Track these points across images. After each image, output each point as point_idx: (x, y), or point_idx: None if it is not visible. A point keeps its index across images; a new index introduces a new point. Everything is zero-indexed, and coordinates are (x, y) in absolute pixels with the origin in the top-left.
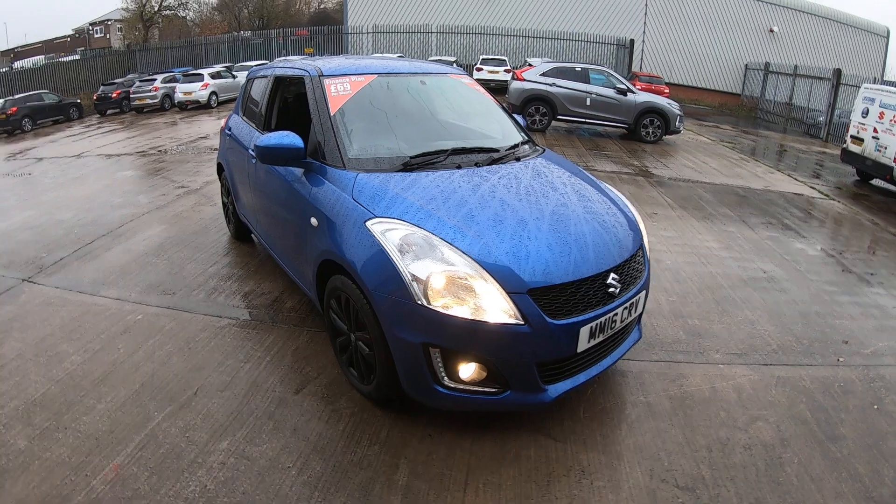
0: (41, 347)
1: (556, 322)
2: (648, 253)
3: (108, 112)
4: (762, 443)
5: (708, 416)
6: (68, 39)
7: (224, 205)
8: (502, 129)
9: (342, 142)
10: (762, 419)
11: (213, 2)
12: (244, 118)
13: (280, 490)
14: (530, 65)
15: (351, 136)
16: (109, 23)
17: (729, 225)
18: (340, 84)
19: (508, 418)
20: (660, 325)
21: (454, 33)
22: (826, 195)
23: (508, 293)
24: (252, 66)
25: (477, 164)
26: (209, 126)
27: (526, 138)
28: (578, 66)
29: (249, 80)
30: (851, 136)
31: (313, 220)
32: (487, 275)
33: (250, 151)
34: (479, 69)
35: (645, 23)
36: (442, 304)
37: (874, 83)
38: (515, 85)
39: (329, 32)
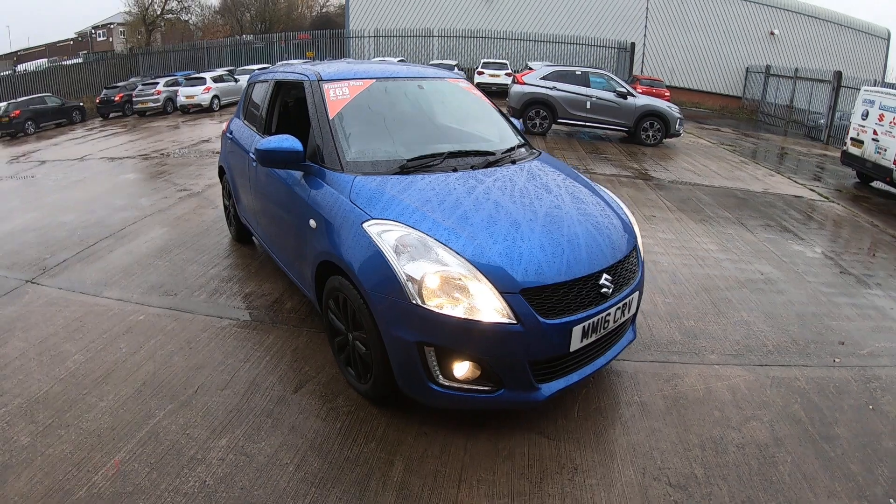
0: (44, 347)
1: (548, 321)
2: (643, 254)
3: (111, 115)
4: (756, 442)
5: (702, 416)
6: (71, 43)
7: (225, 207)
8: (499, 133)
9: (340, 145)
10: (756, 419)
11: (216, 5)
12: (245, 122)
13: (278, 486)
14: (531, 68)
15: (349, 140)
16: (112, 26)
17: (727, 227)
18: (339, 88)
19: (503, 417)
20: (656, 325)
21: (455, 37)
22: (825, 197)
23: (501, 293)
24: (254, 70)
25: (473, 167)
26: (211, 129)
27: (522, 141)
28: (578, 70)
29: (250, 85)
30: (851, 139)
31: (312, 222)
32: (481, 275)
33: (251, 155)
34: (481, 73)
35: (646, 26)
36: (436, 303)
37: (874, 85)
38: (516, 88)
39: (331, 36)
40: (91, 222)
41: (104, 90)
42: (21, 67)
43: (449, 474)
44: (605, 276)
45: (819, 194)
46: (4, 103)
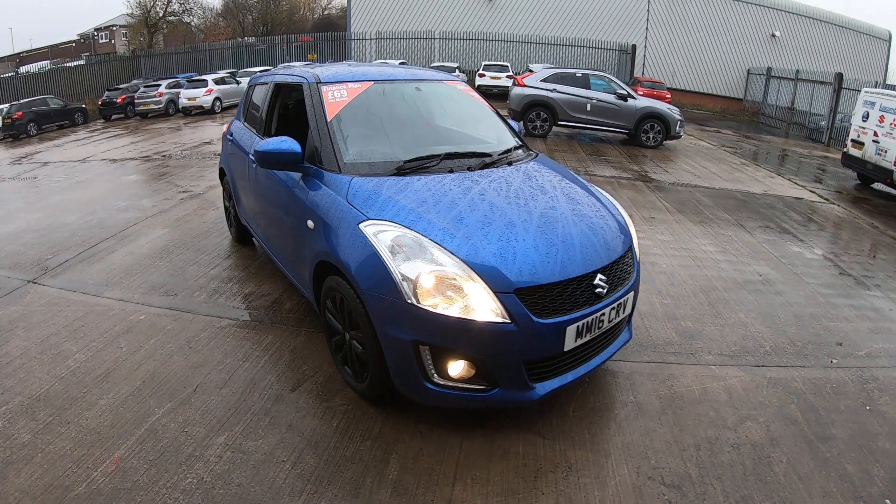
0: (45, 346)
1: (542, 321)
2: (641, 256)
3: (113, 117)
4: (751, 442)
5: (697, 416)
6: (73, 45)
7: (226, 209)
8: (496, 135)
9: (338, 147)
10: (752, 419)
11: (218, 8)
12: (245, 124)
13: (274, 483)
14: (531, 71)
15: (347, 142)
16: (114, 28)
17: (726, 229)
18: (337, 91)
19: (499, 416)
20: (652, 326)
21: (457, 39)
22: (826, 199)
23: (495, 292)
24: (255, 73)
25: (469, 169)
26: (212, 131)
27: (519, 143)
28: (579, 72)
29: (251, 87)
30: (852, 140)
31: (310, 223)
32: (475, 275)
33: (250, 156)
34: (482, 75)
35: (647, 28)
36: (431, 303)
37: (875, 87)
38: (516, 91)
39: (332, 39)
40: (93, 223)
41: (106, 92)
42: (23, 69)
43: (444, 472)
44: (599, 276)
45: (819, 196)
46: (7, 105)
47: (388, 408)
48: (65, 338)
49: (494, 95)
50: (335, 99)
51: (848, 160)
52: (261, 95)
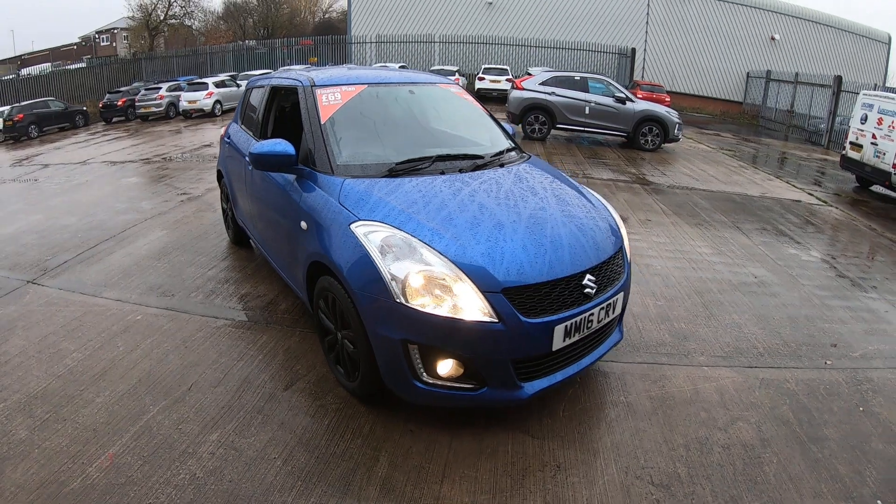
0: (43, 345)
1: (530, 320)
2: (637, 258)
3: (114, 120)
4: (741, 443)
5: (688, 417)
6: (75, 47)
7: (224, 211)
8: (489, 137)
9: (331, 149)
10: (743, 420)
11: (219, 11)
12: (242, 126)
13: (265, 479)
14: (530, 74)
15: (340, 144)
16: (116, 31)
17: (722, 231)
18: (331, 94)
19: (489, 416)
20: (645, 327)
21: (457, 43)
22: (824, 201)
23: (483, 292)
24: (255, 76)
25: (461, 170)
26: (212, 134)
27: (512, 145)
28: (577, 76)
29: (248, 90)
30: (850, 143)
31: (303, 224)
32: (463, 274)
33: (247, 159)
34: (482, 78)
35: (646, 32)
36: (420, 302)
37: (874, 89)
38: (515, 94)
39: (333, 42)
40: (92, 225)
41: (107, 95)
42: (25, 71)
43: (432, 470)
44: (588, 276)
45: (817, 198)
46: (8, 107)
47: (379, 407)
48: (63, 337)
49: (494, 99)
50: (329, 102)
51: (846, 163)
52: (257, 98)
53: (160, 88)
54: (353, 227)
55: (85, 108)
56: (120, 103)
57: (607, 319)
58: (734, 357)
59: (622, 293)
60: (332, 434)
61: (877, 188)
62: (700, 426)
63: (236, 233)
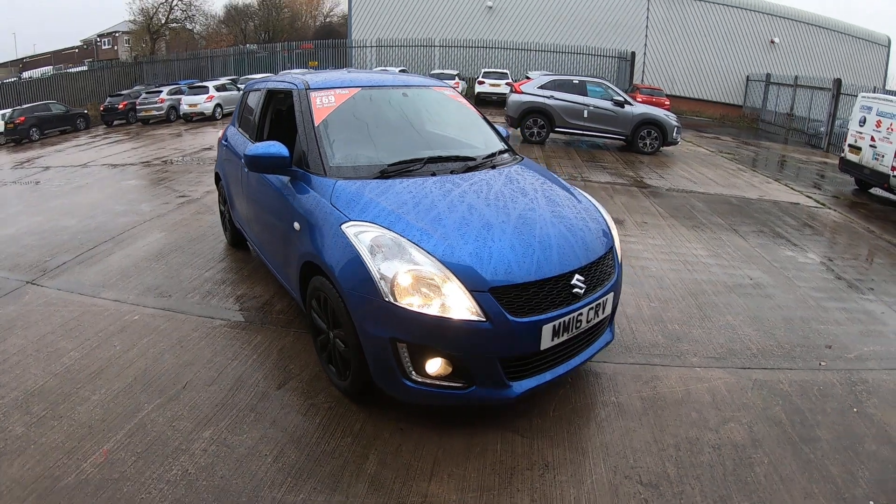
0: (41, 344)
1: (518, 320)
2: (633, 260)
3: (115, 123)
4: (732, 443)
5: (679, 417)
6: (76, 50)
7: (221, 213)
8: (482, 139)
9: (324, 151)
10: (734, 420)
11: (220, 15)
12: (239, 129)
13: (256, 475)
14: (529, 78)
15: (333, 146)
16: (117, 35)
17: (719, 233)
18: (325, 97)
19: (480, 415)
20: (638, 329)
21: (457, 47)
22: (822, 204)
23: (471, 291)
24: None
25: (452, 172)
26: (212, 138)
27: (505, 147)
28: (576, 79)
29: (245, 93)
30: (849, 145)
31: (296, 225)
32: (451, 274)
33: (243, 161)
34: (482, 82)
35: (646, 35)
36: (408, 301)
37: (873, 92)
38: (513, 98)
39: (333, 46)
40: (92, 227)
41: (108, 98)
42: (26, 74)
43: (421, 468)
44: (577, 276)
45: (816, 201)
46: (9, 110)
47: (370, 405)
48: (61, 336)
49: (494, 102)
50: (323, 104)
51: (845, 165)
52: (254, 102)
53: (161, 92)
54: (343, 227)
55: (86, 112)
56: (121, 106)
57: (597, 320)
58: (727, 358)
59: (612, 294)
60: (322, 432)
61: (876, 191)
62: (691, 426)
63: (234, 235)
